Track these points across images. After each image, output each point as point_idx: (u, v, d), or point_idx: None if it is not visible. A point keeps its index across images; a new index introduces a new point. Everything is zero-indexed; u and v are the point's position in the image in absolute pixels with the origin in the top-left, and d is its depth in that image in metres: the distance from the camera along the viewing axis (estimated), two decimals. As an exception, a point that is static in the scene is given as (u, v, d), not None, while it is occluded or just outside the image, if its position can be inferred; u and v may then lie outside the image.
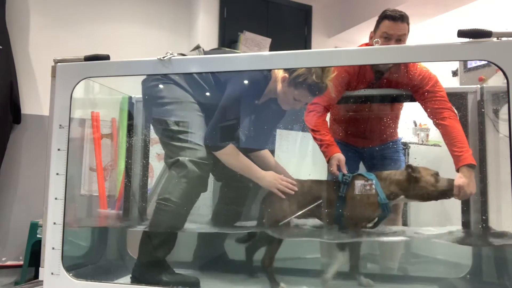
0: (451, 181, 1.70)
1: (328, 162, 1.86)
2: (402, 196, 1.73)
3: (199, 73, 1.81)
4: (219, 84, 1.80)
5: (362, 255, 1.85)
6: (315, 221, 1.84)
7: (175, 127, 1.75)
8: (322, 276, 1.74)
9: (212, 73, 1.81)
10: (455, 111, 1.86)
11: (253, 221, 1.92)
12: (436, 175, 1.71)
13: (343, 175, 1.76)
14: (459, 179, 1.71)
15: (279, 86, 1.78)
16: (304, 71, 1.70)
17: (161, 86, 1.80)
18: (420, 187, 1.69)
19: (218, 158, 1.75)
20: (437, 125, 1.86)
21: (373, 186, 1.72)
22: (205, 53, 1.87)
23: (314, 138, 1.90)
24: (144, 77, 1.87)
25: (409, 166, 1.72)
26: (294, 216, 1.76)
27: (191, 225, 1.85)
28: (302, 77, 1.69)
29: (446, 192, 1.70)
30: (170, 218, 1.71)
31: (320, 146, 1.88)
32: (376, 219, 1.75)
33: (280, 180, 1.76)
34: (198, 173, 1.68)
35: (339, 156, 1.82)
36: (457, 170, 1.74)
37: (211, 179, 1.95)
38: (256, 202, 1.97)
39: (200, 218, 1.98)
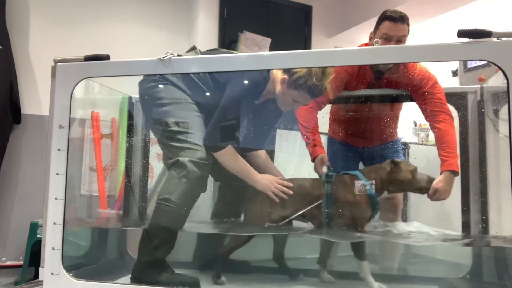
0: (428, 179, 1.75)
1: (313, 161, 1.90)
2: (385, 192, 1.76)
3: (197, 74, 1.81)
4: (217, 84, 1.81)
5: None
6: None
7: (174, 128, 1.74)
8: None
9: (211, 73, 1.81)
10: (451, 115, 1.88)
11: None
12: (414, 171, 1.75)
13: (326, 175, 1.79)
14: (438, 182, 1.75)
15: (278, 88, 1.78)
16: (304, 73, 1.70)
17: (159, 87, 1.79)
18: (398, 182, 1.74)
19: (217, 159, 1.75)
20: (432, 127, 1.90)
21: (373, 186, 1.73)
22: (202, 54, 1.87)
23: (303, 135, 1.93)
24: (141, 78, 1.86)
25: (392, 162, 1.76)
26: (284, 221, 1.77)
27: (192, 225, 1.85)
28: (302, 79, 1.70)
29: (420, 189, 1.77)
30: (170, 218, 1.71)
31: (307, 144, 1.92)
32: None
33: (275, 183, 1.77)
34: (198, 173, 1.68)
35: (322, 156, 1.89)
36: (441, 174, 1.77)
37: (210, 179, 1.96)
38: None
39: (200, 218, 1.98)
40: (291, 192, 1.76)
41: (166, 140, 1.77)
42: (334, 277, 1.86)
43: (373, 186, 1.73)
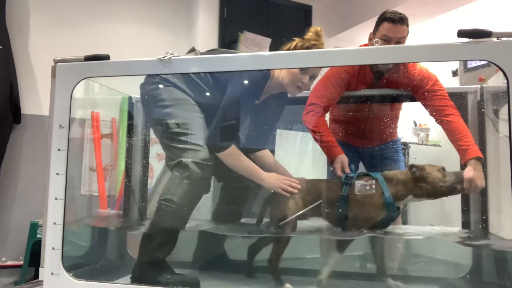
0: (459, 175, 1.67)
1: (332, 163, 1.86)
2: (410, 196, 1.70)
3: (197, 75, 1.81)
4: (218, 84, 1.80)
5: (364, 255, 1.84)
6: (321, 223, 1.84)
7: (176, 129, 1.74)
8: (317, 277, 1.72)
9: (212, 73, 1.81)
10: (457, 109, 1.85)
11: (254, 219, 1.92)
12: (442, 170, 1.69)
13: (346, 177, 1.75)
14: (469, 172, 1.67)
15: (283, 72, 1.78)
16: (300, 41, 1.73)
17: (160, 88, 1.79)
18: (428, 185, 1.67)
19: (220, 160, 1.75)
20: (440, 122, 1.84)
21: (373, 186, 1.71)
22: (202, 54, 1.87)
23: (315, 139, 1.90)
24: (142, 81, 1.86)
25: (413, 166, 1.70)
26: (297, 214, 1.75)
27: (192, 225, 1.85)
28: (300, 47, 1.72)
29: (455, 186, 1.67)
30: (172, 219, 1.71)
31: (322, 147, 1.88)
32: (385, 220, 1.73)
33: (283, 179, 1.76)
34: (200, 174, 1.68)
35: (343, 158, 1.82)
36: (465, 164, 1.71)
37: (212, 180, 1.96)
38: (257, 201, 1.97)
39: (200, 218, 1.98)
40: (299, 186, 1.75)
41: (168, 142, 1.77)
42: (335, 277, 1.86)
43: (373, 187, 1.72)
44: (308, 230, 1.84)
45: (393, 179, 1.72)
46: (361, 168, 2.20)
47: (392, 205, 1.68)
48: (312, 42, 1.74)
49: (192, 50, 1.90)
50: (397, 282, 1.76)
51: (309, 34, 1.76)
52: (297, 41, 1.77)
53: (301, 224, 1.83)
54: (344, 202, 1.72)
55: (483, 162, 1.72)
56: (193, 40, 4.18)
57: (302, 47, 1.74)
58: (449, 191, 1.68)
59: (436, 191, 1.68)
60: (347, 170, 1.78)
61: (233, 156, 1.75)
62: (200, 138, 1.73)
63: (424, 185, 1.68)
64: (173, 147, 1.75)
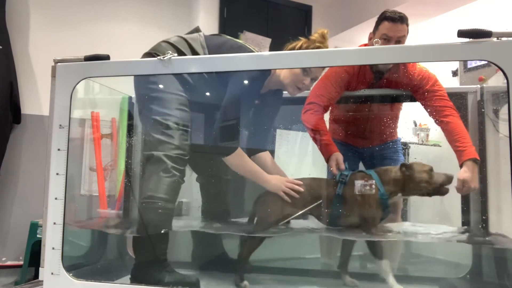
0: (448, 176, 1.69)
1: (327, 161, 1.86)
2: (399, 194, 1.72)
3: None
4: (219, 78, 1.78)
5: (364, 255, 1.85)
6: (315, 222, 1.84)
7: (157, 118, 1.70)
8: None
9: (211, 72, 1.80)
10: (456, 110, 1.86)
11: (244, 218, 1.92)
12: (430, 170, 1.69)
13: (341, 174, 1.76)
14: (463, 173, 1.69)
15: (283, 72, 1.77)
16: (305, 42, 1.74)
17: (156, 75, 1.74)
18: (415, 184, 1.68)
19: (226, 163, 1.73)
20: (439, 123, 1.85)
21: (373, 186, 1.72)
22: (205, 37, 1.85)
23: (313, 138, 1.91)
24: None
25: (403, 165, 1.72)
26: (293, 216, 1.75)
27: (182, 224, 1.85)
28: (305, 47, 1.72)
29: (441, 187, 1.68)
30: (159, 214, 1.68)
31: (319, 146, 1.89)
32: (380, 216, 1.74)
33: (286, 183, 1.76)
34: (174, 167, 1.66)
35: (337, 156, 1.83)
36: (461, 165, 1.72)
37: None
38: (242, 195, 1.97)
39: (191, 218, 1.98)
40: (302, 190, 1.75)
41: (148, 130, 1.74)
42: (335, 277, 1.86)
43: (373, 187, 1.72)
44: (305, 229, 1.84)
45: (386, 175, 1.73)
46: (361, 168, 2.21)
47: (386, 200, 1.70)
48: (317, 44, 1.73)
49: (196, 30, 1.88)
50: (353, 280, 1.79)
51: (315, 35, 1.76)
52: (302, 41, 1.77)
53: (301, 224, 1.84)
54: (339, 200, 1.73)
55: (479, 163, 1.73)
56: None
57: (307, 48, 1.74)
58: (434, 191, 1.69)
59: (422, 191, 1.69)
60: (342, 167, 1.79)
61: (239, 159, 1.74)
62: (177, 132, 1.69)
63: (411, 184, 1.69)
64: (151, 136, 1.71)
